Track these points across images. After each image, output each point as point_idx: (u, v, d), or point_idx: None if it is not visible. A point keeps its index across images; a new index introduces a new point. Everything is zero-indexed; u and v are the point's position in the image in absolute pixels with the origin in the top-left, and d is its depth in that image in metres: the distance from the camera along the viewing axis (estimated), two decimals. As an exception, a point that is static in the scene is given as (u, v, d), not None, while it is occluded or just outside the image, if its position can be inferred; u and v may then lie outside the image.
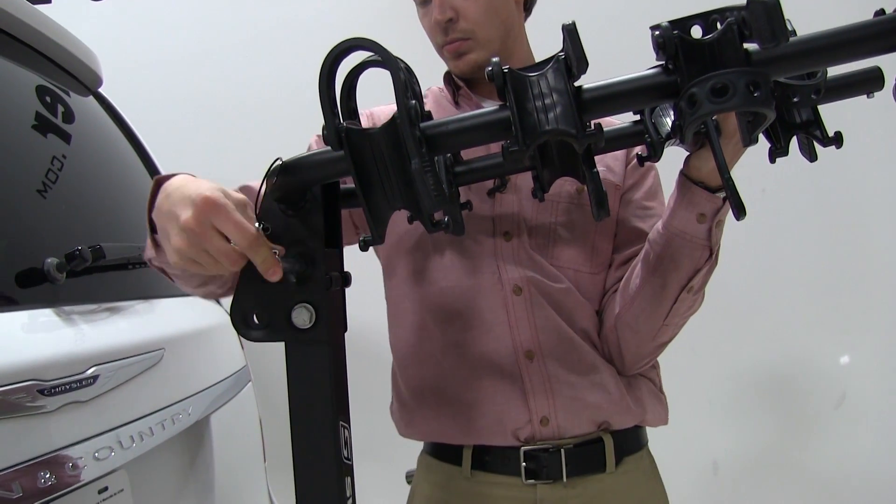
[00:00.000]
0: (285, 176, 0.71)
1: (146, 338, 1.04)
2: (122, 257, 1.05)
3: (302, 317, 0.73)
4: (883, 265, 2.38)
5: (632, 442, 1.05)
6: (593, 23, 1.50)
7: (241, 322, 0.75)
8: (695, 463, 2.47)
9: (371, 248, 0.89)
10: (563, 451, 0.98)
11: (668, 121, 0.86)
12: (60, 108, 1.30)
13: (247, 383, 1.46)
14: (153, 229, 0.77)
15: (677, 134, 0.69)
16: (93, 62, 1.42)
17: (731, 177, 0.71)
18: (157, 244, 0.79)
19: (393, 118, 0.66)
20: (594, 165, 0.75)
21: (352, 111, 0.75)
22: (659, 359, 1.08)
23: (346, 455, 0.77)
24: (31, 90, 1.23)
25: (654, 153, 0.85)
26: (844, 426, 2.37)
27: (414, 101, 0.66)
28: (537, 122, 0.64)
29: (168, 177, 0.76)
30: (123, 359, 0.95)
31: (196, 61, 2.39)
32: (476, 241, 1.01)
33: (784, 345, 2.41)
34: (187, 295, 1.31)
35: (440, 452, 1.05)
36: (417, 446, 1.11)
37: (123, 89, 1.55)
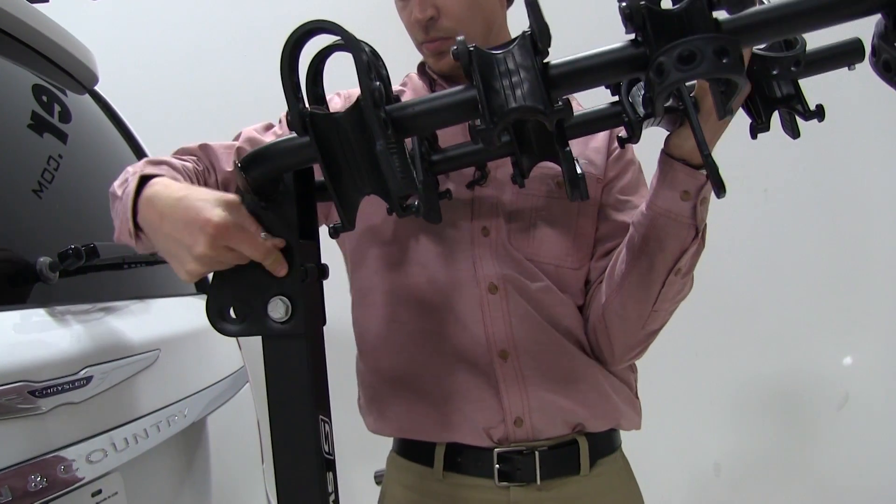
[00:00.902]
0: (253, 166, 0.70)
1: (141, 338, 1.02)
2: (116, 256, 1.03)
3: (278, 310, 0.72)
4: (886, 266, 2.36)
5: (606, 444, 1.04)
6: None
7: (217, 316, 0.74)
8: (696, 465, 2.45)
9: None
10: (536, 453, 0.97)
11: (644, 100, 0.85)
12: (56, 107, 1.28)
13: (244, 384, 1.44)
14: (136, 223, 0.79)
15: (649, 107, 0.68)
16: (88, 60, 1.41)
17: (710, 153, 0.70)
18: (137, 234, 0.80)
19: (357, 101, 0.65)
20: (566, 144, 0.74)
21: (318, 97, 0.74)
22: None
23: (326, 450, 0.76)
24: (26, 89, 1.22)
25: (633, 133, 0.84)
26: (847, 428, 2.36)
27: (378, 83, 0.65)
28: (504, 100, 0.64)
29: (144, 179, 0.78)
30: (118, 359, 0.94)
31: (192, 60, 2.38)
32: (453, 235, 0.99)
33: (786, 346, 2.39)
34: (184, 295, 1.29)
35: (411, 452, 1.03)
36: (386, 445, 1.09)
37: (119, 87, 1.53)
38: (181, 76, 2.36)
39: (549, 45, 0.64)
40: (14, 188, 1.01)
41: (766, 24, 0.61)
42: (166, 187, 0.75)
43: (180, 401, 1.09)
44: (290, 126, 0.69)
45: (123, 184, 0.82)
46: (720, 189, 0.67)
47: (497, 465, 0.97)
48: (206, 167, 0.93)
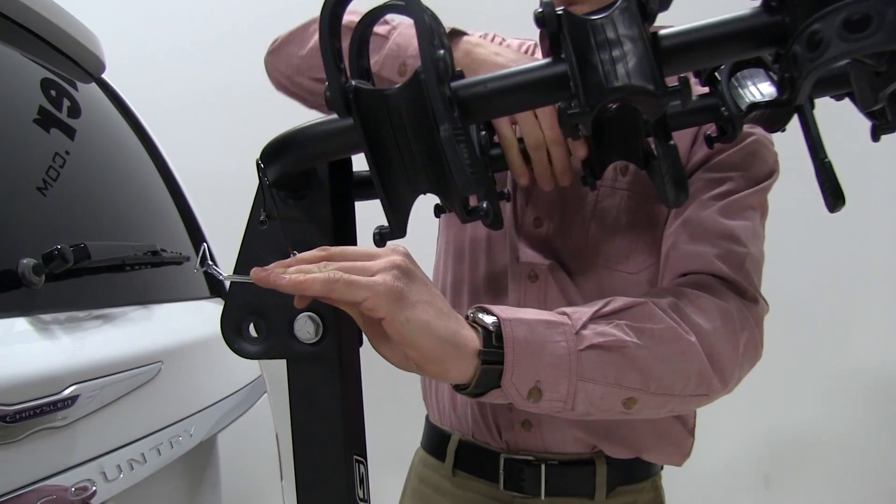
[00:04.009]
0: (279, 156, 0.57)
1: (140, 349, 0.91)
2: (113, 257, 0.92)
3: (306, 328, 0.59)
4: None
5: (631, 471, 0.92)
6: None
7: (234, 333, 0.62)
8: (744, 475, 2.33)
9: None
10: (543, 465, 0.89)
11: (747, 91, 0.71)
12: (61, 95, 1.19)
13: (261, 396, 1.33)
14: None
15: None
16: (95, 47, 1.31)
17: (829, 159, 0.56)
18: None
19: (415, 74, 0.52)
20: (670, 137, 0.60)
21: (364, 72, 0.60)
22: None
23: (361, 495, 0.64)
24: (33, 77, 1.12)
25: (731, 131, 0.70)
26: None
27: (442, 52, 0.51)
28: (603, 78, 0.49)
29: None
30: (111, 375, 0.83)
31: (202, 49, 2.30)
32: (508, 212, 0.92)
33: (841, 350, 2.25)
34: (192, 299, 1.18)
35: (429, 443, 1.03)
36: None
37: (127, 77, 1.43)
38: (191, 66, 2.29)
39: (665, 8, 0.52)
40: (11, 186, 0.91)
41: None
42: None
43: (185, 419, 0.98)
44: (329, 104, 0.55)
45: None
46: (838, 200, 0.53)
47: (502, 472, 0.91)
48: None
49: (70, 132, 1.16)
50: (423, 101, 0.51)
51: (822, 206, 0.66)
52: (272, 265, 0.56)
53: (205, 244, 0.63)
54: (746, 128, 0.84)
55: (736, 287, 0.78)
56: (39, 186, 0.98)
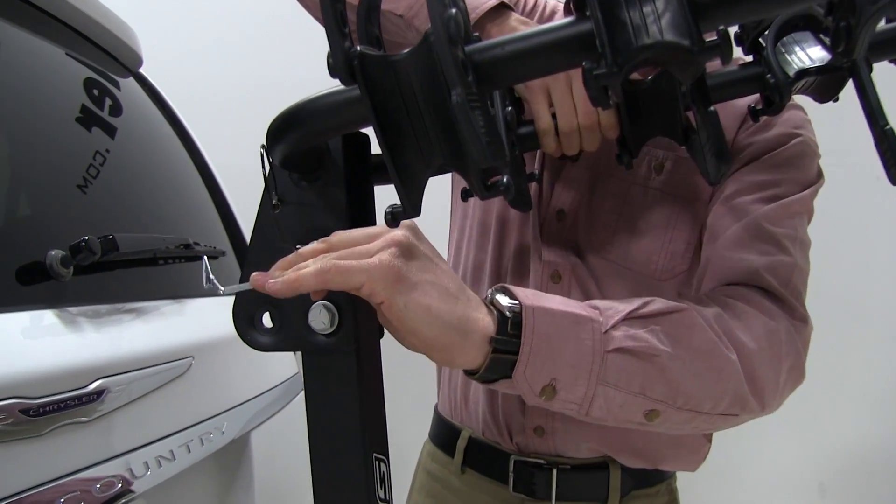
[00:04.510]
0: (284, 134, 0.54)
1: (170, 344, 0.89)
2: (143, 249, 0.90)
3: (321, 318, 0.55)
4: None
5: (646, 476, 0.88)
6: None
7: (247, 324, 0.58)
8: (798, 484, 2.23)
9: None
10: (555, 470, 0.84)
11: (795, 57, 0.66)
12: (103, 94, 1.18)
13: (298, 393, 1.31)
14: None
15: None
16: (132, 41, 1.30)
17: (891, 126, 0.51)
18: None
19: (425, 36, 0.47)
20: (710, 102, 0.55)
21: (373, 39, 0.56)
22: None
23: (382, 495, 0.60)
24: (77, 76, 1.12)
25: (780, 98, 0.64)
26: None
27: (454, 10, 0.45)
28: (633, 35, 0.44)
29: None
30: (140, 369, 0.81)
31: (241, 45, 2.30)
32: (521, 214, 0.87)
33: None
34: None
35: (438, 436, 0.99)
36: None
37: (165, 72, 1.42)
38: (230, 62, 2.29)
39: None
40: (29, 173, 0.90)
41: None
42: None
43: (217, 415, 0.96)
44: (333, 72, 0.50)
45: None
46: None
47: (512, 475, 0.87)
48: None
49: (111, 130, 1.16)
50: (435, 67, 0.47)
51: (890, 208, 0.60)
52: (273, 267, 0.53)
53: (205, 258, 0.59)
54: (791, 128, 0.79)
55: (784, 304, 0.72)
56: (79, 184, 0.97)
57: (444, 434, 0.98)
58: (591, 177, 0.85)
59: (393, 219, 0.51)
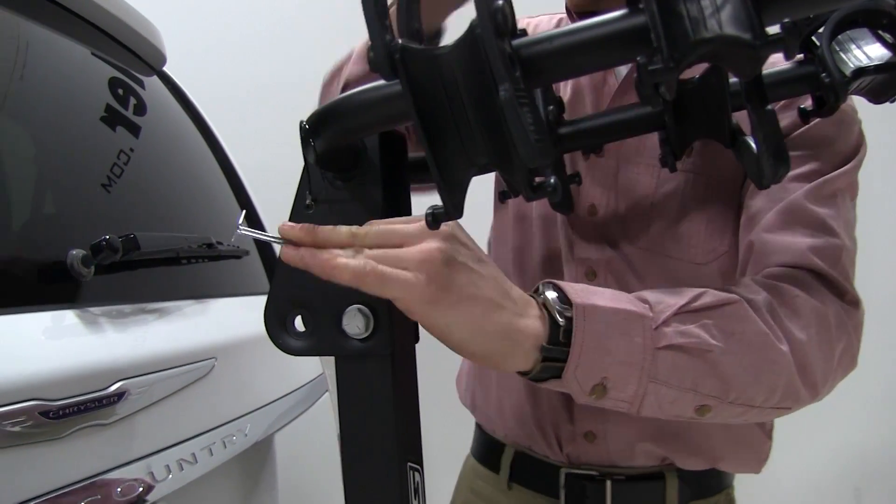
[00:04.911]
0: (323, 127, 0.52)
1: (193, 345, 0.88)
2: (165, 248, 0.89)
3: (355, 322, 0.53)
4: None
5: (705, 484, 0.84)
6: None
7: (278, 327, 0.57)
8: (834, 489, 2.18)
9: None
10: (609, 482, 0.81)
11: (851, 56, 0.62)
12: (128, 93, 1.18)
13: (322, 395, 1.29)
14: None
15: None
16: (156, 39, 1.30)
17: None
18: None
19: (470, 29, 0.45)
20: (766, 101, 0.52)
21: (414, 34, 0.53)
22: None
23: None
24: (102, 75, 1.11)
25: (835, 99, 0.61)
26: None
27: (502, 2, 0.43)
28: (690, 28, 0.41)
29: None
30: (161, 371, 0.79)
31: (263, 44, 2.29)
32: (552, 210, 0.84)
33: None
34: (248, 295, 1.15)
35: (481, 454, 0.96)
36: None
37: (189, 71, 1.42)
38: (253, 60, 2.28)
39: None
40: (53, 170, 0.89)
41: None
42: None
43: (240, 417, 0.94)
44: (373, 66, 0.48)
45: None
46: None
47: (563, 488, 0.83)
48: None
49: (135, 129, 1.15)
50: (480, 61, 0.44)
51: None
52: (300, 226, 0.52)
53: (242, 213, 0.58)
54: None
55: (834, 286, 0.69)
56: (104, 183, 0.96)
57: (487, 449, 0.94)
58: (616, 167, 0.82)
59: (434, 220, 0.49)
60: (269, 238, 0.55)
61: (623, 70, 0.83)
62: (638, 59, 0.42)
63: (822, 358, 0.65)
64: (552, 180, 0.49)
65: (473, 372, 0.98)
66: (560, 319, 0.55)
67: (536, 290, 0.59)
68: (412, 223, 0.53)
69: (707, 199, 0.79)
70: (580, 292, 0.57)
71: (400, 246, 0.51)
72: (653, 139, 0.77)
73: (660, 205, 0.80)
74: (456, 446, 1.08)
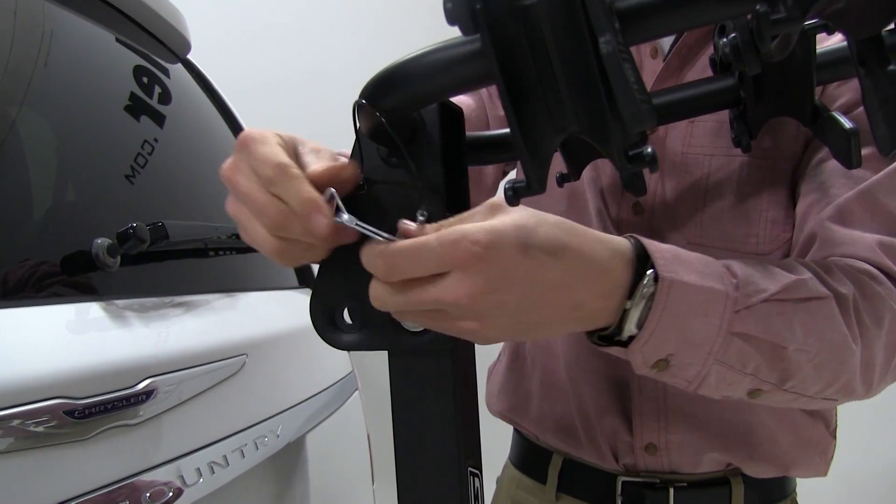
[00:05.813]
0: (386, 94, 0.46)
1: (223, 341, 0.83)
2: (193, 238, 0.84)
3: None
4: None
5: (770, 491, 0.79)
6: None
7: (326, 322, 0.51)
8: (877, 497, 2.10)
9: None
10: (672, 489, 0.76)
11: None
12: (152, 82, 1.14)
13: (353, 392, 1.24)
14: None
15: None
16: (182, 26, 1.26)
17: None
18: None
19: None
20: (887, 61, 0.46)
21: None
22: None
23: None
24: (127, 63, 1.07)
25: None
26: None
27: None
28: None
29: None
30: (190, 368, 0.75)
31: (289, 32, 2.25)
32: (597, 206, 0.78)
33: None
34: (278, 289, 1.11)
35: (524, 461, 0.89)
36: None
37: (214, 59, 1.37)
38: (279, 50, 2.23)
39: None
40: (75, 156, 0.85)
41: None
42: None
43: (271, 418, 0.89)
44: (451, 17, 0.41)
45: None
46: None
47: (620, 498, 0.78)
48: None
49: (160, 118, 1.11)
50: (574, 13, 0.38)
51: None
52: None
53: (334, 192, 0.49)
54: None
55: None
56: (127, 174, 0.92)
57: (531, 458, 0.88)
58: (662, 154, 0.76)
59: (514, 195, 0.43)
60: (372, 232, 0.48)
61: (665, 44, 0.77)
62: (758, 7, 0.36)
63: (885, 359, 0.61)
64: (649, 149, 0.43)
65: (508, 377, 0.91)
66: (642, 306, 0.50)
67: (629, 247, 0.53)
68: (463, 222, 0.45)
69: (765, 183, 0.73)
70: (669, 262, 0.51)
71: (437, 272, 0.44)
72: (701, 123, 0.72)
73: (713, 196, 0.74)
74: (494, 451, 1.02)
